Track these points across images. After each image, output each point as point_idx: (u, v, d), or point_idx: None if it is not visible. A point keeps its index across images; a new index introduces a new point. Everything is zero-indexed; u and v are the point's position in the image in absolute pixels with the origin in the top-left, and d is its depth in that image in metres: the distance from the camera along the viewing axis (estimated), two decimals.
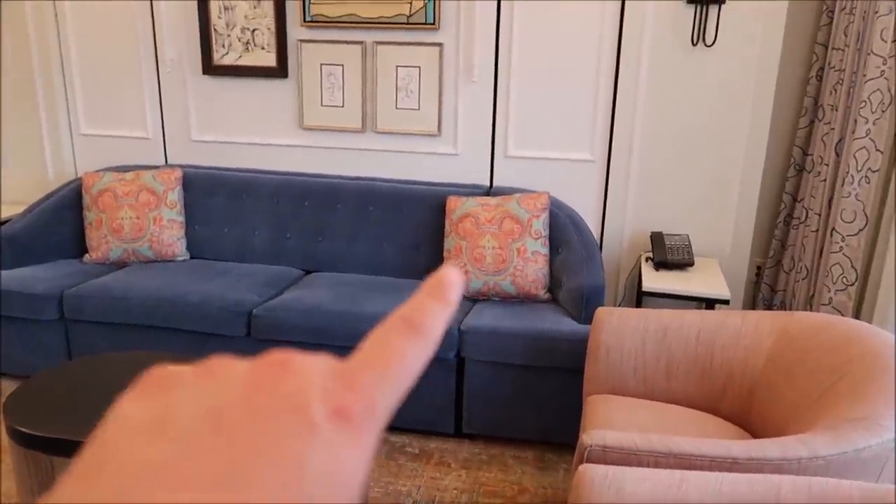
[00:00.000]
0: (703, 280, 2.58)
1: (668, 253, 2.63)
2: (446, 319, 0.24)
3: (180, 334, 2.62)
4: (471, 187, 2.92)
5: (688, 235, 2.71)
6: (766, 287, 3.02)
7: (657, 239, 2.70)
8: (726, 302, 2.48)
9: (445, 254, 2.79)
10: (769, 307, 2.98)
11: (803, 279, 2.75)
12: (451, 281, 0.25)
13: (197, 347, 2.62)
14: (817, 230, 2.70)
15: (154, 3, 3.06)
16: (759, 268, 3.05)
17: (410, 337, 0.23)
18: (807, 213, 2.77)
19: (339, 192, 2.99)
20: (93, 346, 2.68)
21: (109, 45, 3.14)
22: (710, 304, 2.50)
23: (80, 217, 3.04)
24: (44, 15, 3.14)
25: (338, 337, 2.49)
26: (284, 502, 0.18)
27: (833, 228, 2.58)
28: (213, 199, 3.09)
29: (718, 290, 2.50)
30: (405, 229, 2.92)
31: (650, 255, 2.72)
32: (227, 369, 0.21)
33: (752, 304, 3.06)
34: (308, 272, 2.99)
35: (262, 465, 0.19)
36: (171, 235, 3.03)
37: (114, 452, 0.19)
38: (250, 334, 2.58)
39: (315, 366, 0.22)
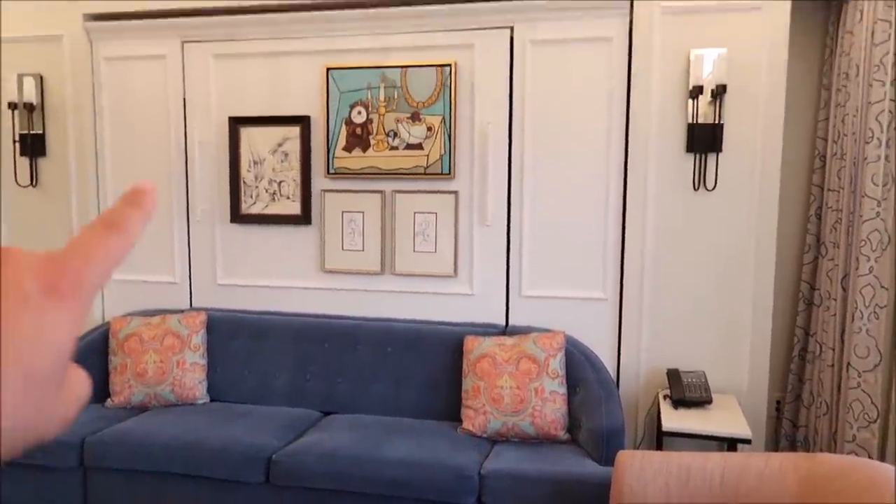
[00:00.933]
0: (722, 418, 2.57)
1: (685, 390, 2.64)
2: (142, 220, 0.29)
3: (200, 482, 2.60)
4: (487, 326, 2.99)
5: (704, 372, 2.73)
6: (787, 423, 2.98)
7: (674, 376, 2.71)
8: (748, 441, 2.45)
9: (463, 394, 2.81)
10: (792, 444, 2.93)
11: (824, 415, 2.73)
12: (144, 189, 0.30)
13: (216, 497, 2.59)
14: (833, 365, 2.71)
15: (189, 157, 3.30)
16: (778, 402, 3.03)
17: (112, 233, 0.28)
18: (821, 347, 2.80)
19: (359, 333, 3.07)
20: (111, 496, 2.65)
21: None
22: (731, 444, 2.47)
23: (105, 361, 3.12)
24: (86, 172, 3.39)
25: (358, 483, 2.46)
26: (6, 361, 0.24)
27: (848, 363, 2.59)
28: (235, 341, 3.17)
29: (739, 429, 2.48)
30: (424, 369, 2.96)
31: (668, 392, 2.73)
32: None
33: (774, 441, 3.01)
34: (327, 413, 3.00)
35: None
36: (192, 378, 3.08)
37: None
38: (269, 481, 2.56)
39: (28, 255, 0.27)
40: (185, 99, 3.30)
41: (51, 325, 0.26)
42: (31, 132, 3.38)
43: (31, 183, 3.43)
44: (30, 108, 3.33)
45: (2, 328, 0.24)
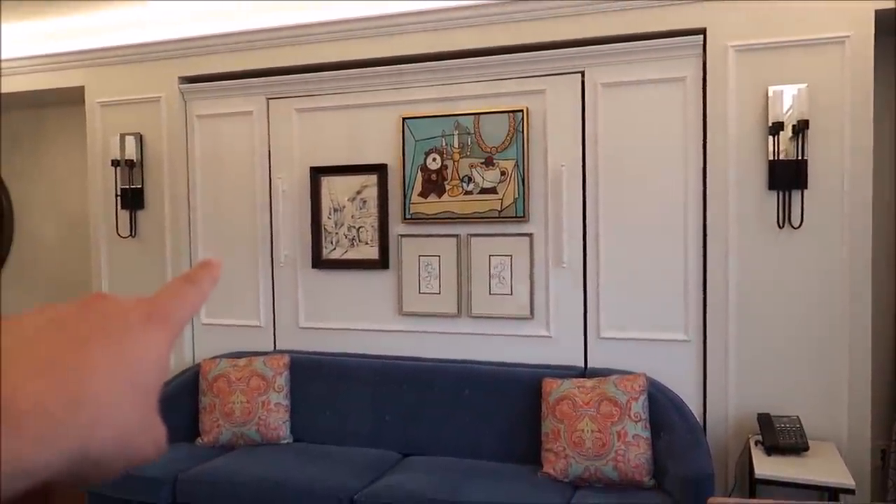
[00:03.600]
0: (821, 466, 2.43)
1: (779, 437, 2.52)
2: (212, 281, 0.36)
3: None
4: (565, 369, 2.96)
5: (798, 417, 2.60)
6: (894, 473, 2.79)
7: (765, 421, 2.60)
8: (851, 492, 2.31)
9: (543, 437, 2.77)
10: None
11: None
12: (213, 260, 0.37)
13: None
14: None
15: (273, 206, 3.47)
16: (883, 452, 2.84)
17: (190, 286, 0.35)
18: None
19: (436, 375, 3.09)
20: None
21: (233, 247, 3.53)
22: (832, 493, 2.33)
23: (195, 401, 3.25)
24: (179, 223, 3.61)
25: None
26: (112, 371, 0.28)
27: None
28: (316, 382, 3.25)
29: (840, 477, 2.34)
30: (501, 412, 2.95)
31: (759, 438, 2.61)
32: (56, 305, 0.30)
33: (881, 493, 2.81)
34: (405, 455, 3.02)
35: (93, 346, 0.28)
36: (277, 419, 3.17)
37: None
38: None
39: (124, 297, 0.32)
40: (269, 151, 3.48)
41: (150, 345, 0.31)
42: (132, 186, 3.64)
43: (131, 234, 3.68)
44: (130, 164, 3.60)
45: (111, 346, 0.29)
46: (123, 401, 0.28)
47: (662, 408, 2.69)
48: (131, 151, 3.59)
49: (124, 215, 3.67)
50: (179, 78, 3.59)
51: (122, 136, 3.61)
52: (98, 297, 0.31)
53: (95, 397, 0.27)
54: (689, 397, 2.80)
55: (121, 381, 0.28)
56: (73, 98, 3.86)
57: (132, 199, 3.65)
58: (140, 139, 3.65)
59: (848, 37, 2.63)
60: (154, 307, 0.32)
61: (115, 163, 3.60)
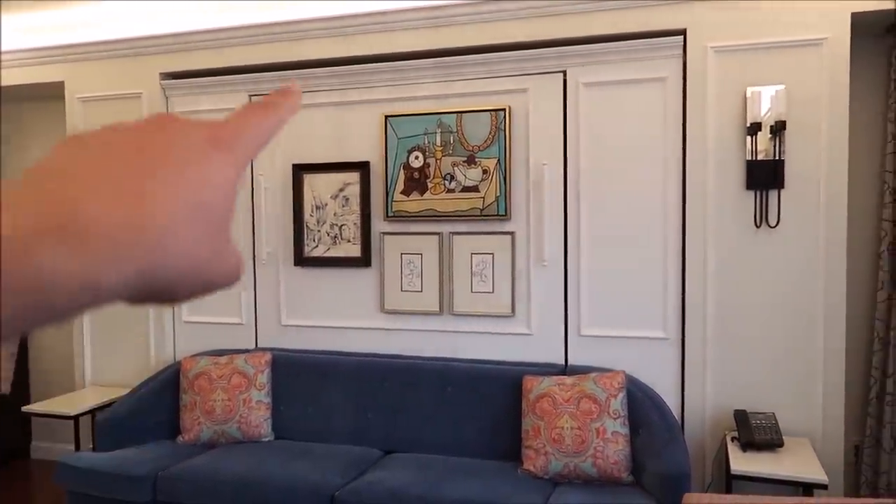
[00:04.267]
0: (796, 462, 2.47)
1: (754, 432, 2.55)
2: (292, 107, 0.34)
3: None
4: (546, 366, 2.98)
5: (774, 413, 2.64)
6: (867, 469, 2.84)
7: (741, 418, 2.63)
8: (824, 486, 2.35)
9: (523, 434, 2.79)
10: (874, 491, 2.78)
11: None
12: (293, 87, 0.35)
13: None
14: None
15: (255, 203, 3.46)
16: (856, 447, 2.89)
17: (267, 111, 0.33)
18: None
19: (418, 373, 3.10)
20: None
21: None
22: (806, 488, 2.37)
23: (176, 399, 3.24)
24: None
25: None
26: (175, 196, 0.27)
27: None
28: (298, 380, 3.25)
29: (814, 473, 2.38)
30: (483, 409, 2.96)
31: (735, 434, 2.64)
32: (122, 124, 0.29)
33: (854, 487, 2.86)
34: (387, 452, 3.03)
35: (156, 170, 0.27)
36: (258, 416, 3.16)
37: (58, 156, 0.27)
38: None
39: (192, 118, 0.31)
40: None
41: (215, 168, 0.29)
42: None
43: None
44: None
45: (174, 170, 0.28)
46: (188, 227, 0.27)
47: (641, 405, 2.72)
48: None
49: None
50: (161, 74, 3.57)
51: None
52: (165, 117, 0.30)
53: (157, 222, 0.26)
54: (668, 394, 2.83)
55: (185, 207, 0.27)
56: (52, 93, 3.82)
57: None
58: None
59: (825, 39, 2.67)
60: (223, 131, 0.31)
61: None
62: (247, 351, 3.38)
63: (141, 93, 3.59)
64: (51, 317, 0.25)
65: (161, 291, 0.28)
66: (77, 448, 3.34)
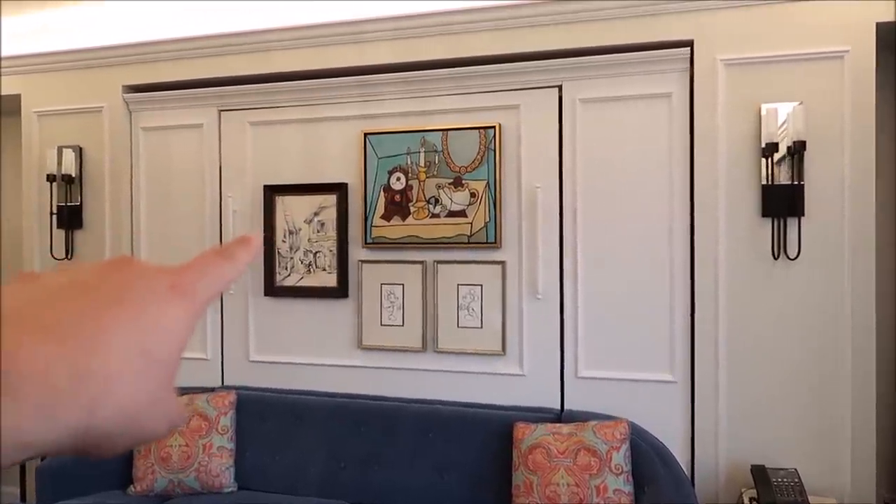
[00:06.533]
0: None
1: (776, 493, 2.25)
2: (249, 257, 0.34)
3: None
4: (540, 411, 2.68)
5: (796, 470, 2.34)
6: None
7: (760, 475, 2.33)
8: None
9: (514, 489, 2.48)
10: None
11: None
12: (253, 237, 0.35)
13: None
14: None
15: (223, 227, 3.17)
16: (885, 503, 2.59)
17: (224, 260, 0.33)
18: None
19: (399, 416, 2.80)
20: None
21: None
22: None
23: None
24: (121, 243, 3.29)
25: None
26: (126, 343, 0.27)
27: None
28: (266, 423, 2.93)
29: None
30: (469, 459, 2.65)
31: (753, 494, 2.34)
32: (80, 265, 0.30)
33: None
34: None
35: (110, 316, 0.27)
36: (219, 464, 2.84)
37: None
38: None
39: (152, 265, 0.31)
40: (220, 167, 3.19)
41: (171, 315, 0.29)
42: (69, 204, 3.32)
43: (67, 255, 3.35)
44: (68, 180, 3.28)
45: (128, 317, 0.27)
46: (134, 376, 0.27)
47: (646, 458, 2.42)
48: (69, 165, 3.28)
49: (59, 235, 3.34)
50: (124, 87, 3.30)
51: (60, 149, 3.29)
52: (123, 261, 0.30)
53: (104, 371, 0.26)
54: (676, 445, 2.53)
55: (134, 355, 0.27)
56: (8, 107, 3.55)
57: (69, 218, 3.33)
58: (80, 152, 3.34)
59: (847, 51, 2.42)
60: (181, 278, 0.30)
61: (51, 178, 3.27)
62: (211, 390, 3.07)
63: (102, 107, 3.31)
64: None
65: (95, 443, 0.26)
66: (23, 497, 3.01)
